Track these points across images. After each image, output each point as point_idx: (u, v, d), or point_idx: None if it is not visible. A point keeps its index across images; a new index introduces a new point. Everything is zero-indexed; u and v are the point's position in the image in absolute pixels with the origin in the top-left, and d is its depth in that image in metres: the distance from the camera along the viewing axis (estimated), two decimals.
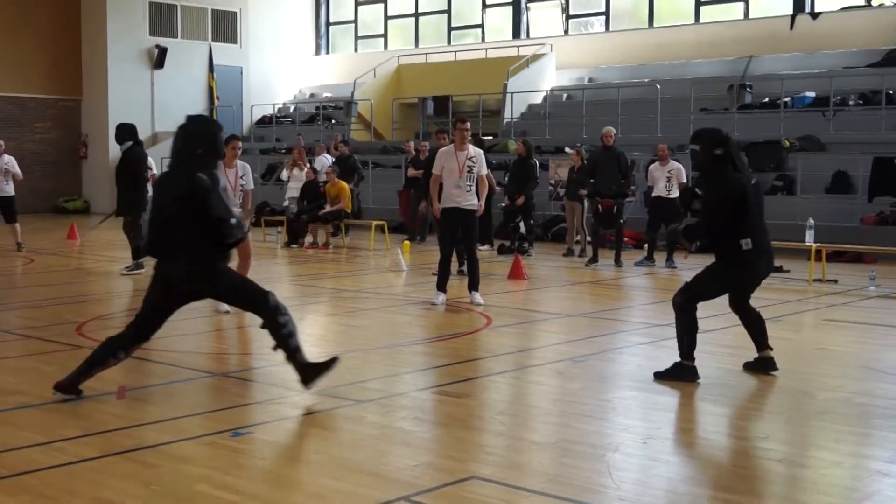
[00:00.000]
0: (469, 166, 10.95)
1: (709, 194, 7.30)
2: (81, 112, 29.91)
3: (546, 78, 27.08)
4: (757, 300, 7.73)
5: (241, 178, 10.77)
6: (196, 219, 6.45)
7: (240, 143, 10.94)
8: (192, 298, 6.78)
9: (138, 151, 13.91)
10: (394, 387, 7.28)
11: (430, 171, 11.85)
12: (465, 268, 12.36)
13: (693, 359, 7.26)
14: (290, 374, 7.49)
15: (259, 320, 6.70)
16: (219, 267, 6.63)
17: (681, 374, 7.25)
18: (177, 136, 6.70)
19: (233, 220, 6.50)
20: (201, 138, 6.64)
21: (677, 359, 7.32)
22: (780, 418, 6.47)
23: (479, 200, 11.07)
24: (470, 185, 10.98)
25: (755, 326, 7.64)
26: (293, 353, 6.67)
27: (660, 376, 7.27)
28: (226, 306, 10.74)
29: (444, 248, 11.25)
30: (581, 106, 24.32)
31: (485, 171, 11.19)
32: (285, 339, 6.64)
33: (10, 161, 17.14)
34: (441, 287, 11.20)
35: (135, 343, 6.68)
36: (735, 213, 7.23)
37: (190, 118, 6.89)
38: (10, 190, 17.07)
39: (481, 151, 11.39)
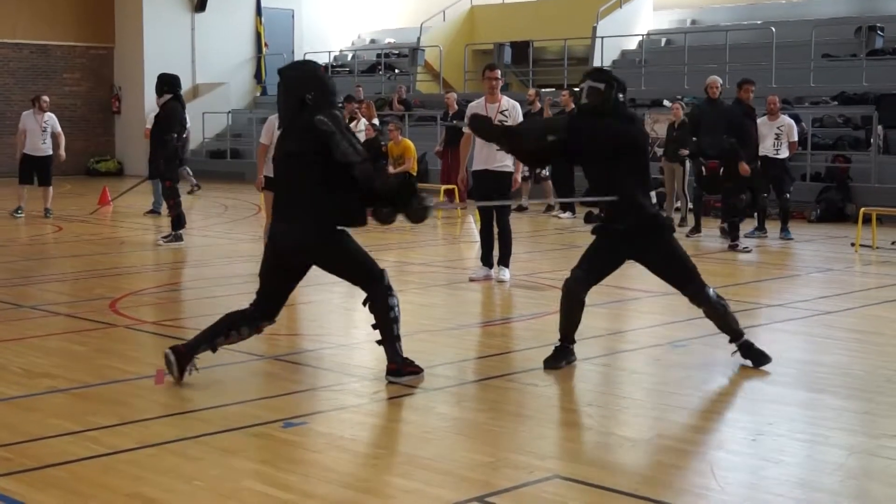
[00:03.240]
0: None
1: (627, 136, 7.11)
2: (114, 61, 30.26)
3: (642, 20, 26.78)
4: None
5: None
6: (318, 175, 6.48)
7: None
8: (303, 270, 6.86)
9: (172, 106, 13.98)
10: (466, 374, 7.32)
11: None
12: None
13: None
14: (348, 359, 7.59)
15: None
16: (336, 236, 6.67)
17: None
18: (278, 91, 6.75)
19: (359, 160, 6.45)
20: (306, 82, 6.65)
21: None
22: None
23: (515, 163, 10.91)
24: None
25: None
26: (394, 342, 6.73)
27: None
28: None
29: (481, 216, 11.22)
30: (682, 52, 24.03)
31: None
32: (391, 325, 6.71)
33: (51, 118, 18.09)
34: (485, 260, 11.20)
35: (259, 320, 6.81)
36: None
37: (290, 65, 7.01)
38: (47, 149, 17.91)
39: (516, 104, 11.20)
